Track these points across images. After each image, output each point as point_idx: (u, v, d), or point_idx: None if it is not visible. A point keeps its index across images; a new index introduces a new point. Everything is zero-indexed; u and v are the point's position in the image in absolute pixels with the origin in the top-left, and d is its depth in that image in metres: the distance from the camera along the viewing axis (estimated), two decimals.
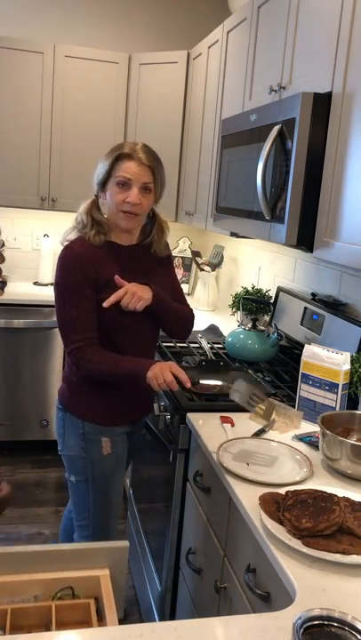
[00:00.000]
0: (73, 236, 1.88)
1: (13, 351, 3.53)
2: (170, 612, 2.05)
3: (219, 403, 1.94)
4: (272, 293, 2.83)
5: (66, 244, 1.87)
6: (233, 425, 1.79)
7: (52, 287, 1.88)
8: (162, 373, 1.72)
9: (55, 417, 2.00)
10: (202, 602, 1.75)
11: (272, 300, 2.79)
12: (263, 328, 2.50)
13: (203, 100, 3.17)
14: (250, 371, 2.27)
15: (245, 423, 1.82)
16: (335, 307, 2.24)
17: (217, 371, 2.27)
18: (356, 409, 1.85)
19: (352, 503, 1.29)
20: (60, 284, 1.81)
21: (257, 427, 1.79)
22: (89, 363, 1.78)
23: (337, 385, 1.77)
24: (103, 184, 1.85)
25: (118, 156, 1.80)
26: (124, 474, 2.03)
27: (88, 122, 3.66)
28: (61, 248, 1.87)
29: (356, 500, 1.32)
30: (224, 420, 1.81)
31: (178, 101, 3.53)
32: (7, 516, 3.00)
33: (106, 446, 1.90)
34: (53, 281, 1.88)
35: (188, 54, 3.46)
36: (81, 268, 1.79)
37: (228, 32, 2.78)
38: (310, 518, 1.21)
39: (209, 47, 3.09)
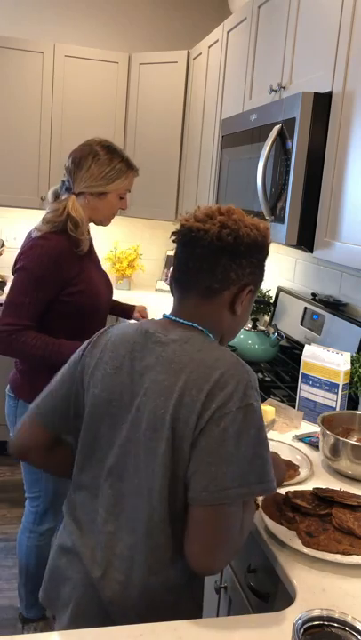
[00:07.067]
0: (46, 227, 1.87)
1: None
2: None
3: None
4: (272, 293, 2.83)
5: (40, 234, 1.86)
6: None
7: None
8: None
9: (6, 404, 2.03)
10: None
11: (272, 300, 2.79)
12: (263, 328, 2.50)
13: (203, 100, 3.17)
14: None
15: None
16: (335, 307, 2.24)
17: None
18: (357, 409, 1.85)
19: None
20: (29, 268, 1.83)
21: None
22: (24, 344, 1.81)
23: (337, 385, 1.77)
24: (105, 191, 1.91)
25: (134, 173, 1.93)
26: None
27: (88, 122, 3.65)
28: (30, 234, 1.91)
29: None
30: None
31: (178, 101, 3.52)
32: (7, 517, 3.00)
33: None
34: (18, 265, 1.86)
35: (188, 54, 3.46)
36: (55, 264, 1.83)
37: (228, 32, 2.78)
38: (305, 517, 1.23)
39: (209, 47, 3.09)
